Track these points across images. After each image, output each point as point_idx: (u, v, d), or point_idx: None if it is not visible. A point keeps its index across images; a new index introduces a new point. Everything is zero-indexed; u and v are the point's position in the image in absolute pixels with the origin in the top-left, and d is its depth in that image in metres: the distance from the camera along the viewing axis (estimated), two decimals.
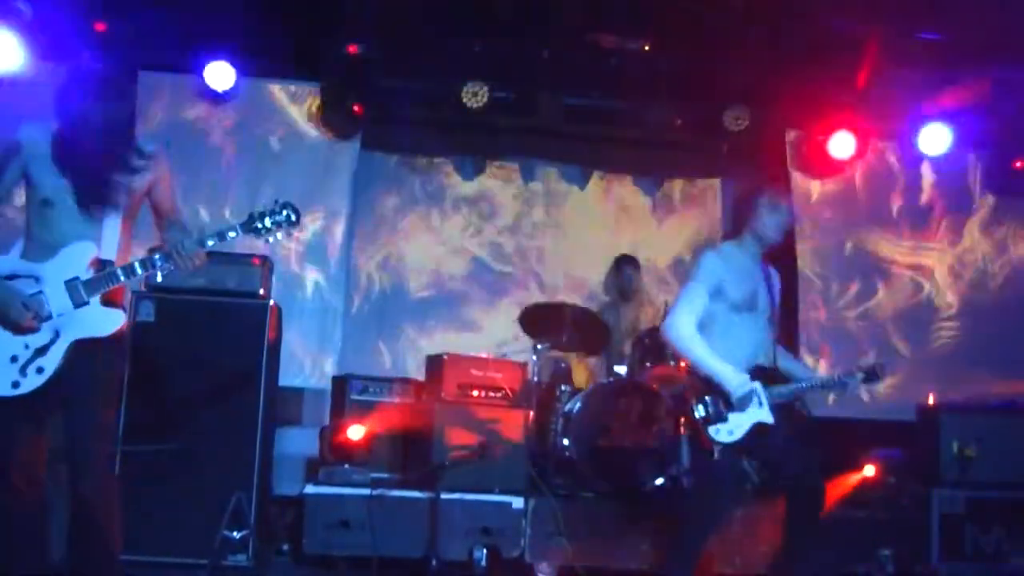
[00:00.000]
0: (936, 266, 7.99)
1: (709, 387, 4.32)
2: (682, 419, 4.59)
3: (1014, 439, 6.18)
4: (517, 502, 5.50)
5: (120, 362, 3.84)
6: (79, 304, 3.56)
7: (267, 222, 3.74)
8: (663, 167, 8.49)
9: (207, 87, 7.21)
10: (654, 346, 6.50)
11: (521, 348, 6.92)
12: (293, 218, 3.78)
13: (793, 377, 4.61)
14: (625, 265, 7.38)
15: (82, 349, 3.57)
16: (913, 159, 7.97)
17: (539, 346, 6.45)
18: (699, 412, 4.31)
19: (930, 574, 5.85)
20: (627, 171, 8.49)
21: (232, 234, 3.73)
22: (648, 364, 6.44)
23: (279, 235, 3.78)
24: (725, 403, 4.29)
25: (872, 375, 4.65)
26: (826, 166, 7.90)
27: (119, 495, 3.86)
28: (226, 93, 7.28)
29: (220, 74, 7.11)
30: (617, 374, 6.44)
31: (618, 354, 6.87)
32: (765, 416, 4.33)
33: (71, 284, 3.56)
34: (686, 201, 8.60)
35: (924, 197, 8.06)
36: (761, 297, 4.52)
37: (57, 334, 3.54)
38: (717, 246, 4.70)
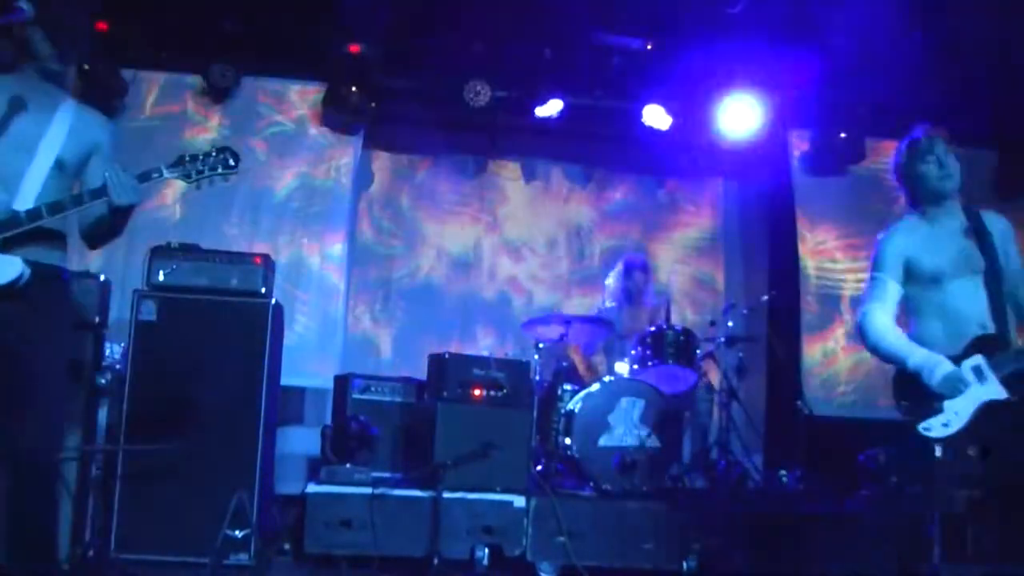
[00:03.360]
0: None
1: (908, 381, 3.81)
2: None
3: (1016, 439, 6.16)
4: (519, 501, 5.48)
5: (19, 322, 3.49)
6: None
7: (198, 164, 3.58)
8: (665, 167, 8.50)
9: (209, 86, 7.23)
10: (657, 345, 6.52)
11: (523, 347, 6.93)
12: (231, 163, 3.62)
13: None
14: (630, 264, 7.38)
15: None
16: None
17: (541, 345, 6.45)
18: (902, 414, 3.82)
19: (931, 574, 5.84)
20: (629, 170, 8.51)
21: (156, 176, 3.54)
22: (650, 364, 6.45)
23: (213, 179, 3.60)
24: (929, 394, 3.75)
25: None
26: (830, 165, 7.92)
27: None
28: (228, 92, 7.31)
29: (225, 74, 7.14)
30: (619, 373, 6.43)
31: (620, 353, 6.87)
32: (993, 392, 3.73)
33: None
34: (689, 200, 8.61)
35: None
36: (970, 255, 3.92)
37: None
38: (892, 225, 4.12)
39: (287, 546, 5.47)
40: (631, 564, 5.49)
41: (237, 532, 4.84)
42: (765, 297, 7.63)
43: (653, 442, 5.94)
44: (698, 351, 6.63)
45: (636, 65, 7.44)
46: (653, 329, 6.64)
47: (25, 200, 3.48)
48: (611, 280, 7.32)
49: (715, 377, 6.80)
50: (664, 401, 6.07)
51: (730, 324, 6.84)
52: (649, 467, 5.89)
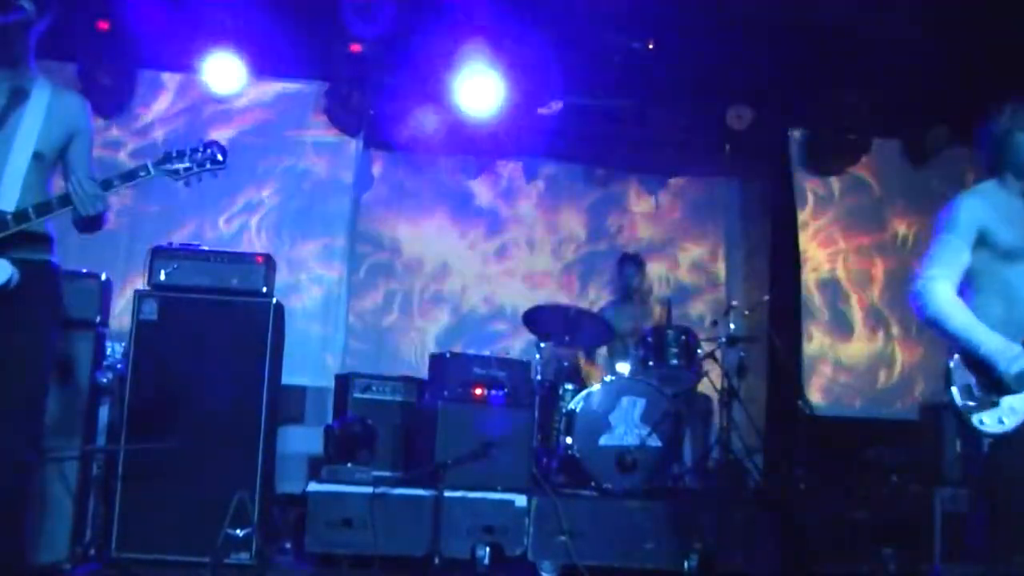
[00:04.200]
0: None
1: (971, 366, 3.46)
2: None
3: None
4: (520, 500, 5.48)
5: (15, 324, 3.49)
6: None
7: (185, 161, 3.52)
8: (666, 166, 8.49)
9: (211, 86, 7.24)
10: (657, 344, 6.52)
11: (524, 346, 6.92)
12: (220, 157, 3.55)
13: None
14: (628, 264, 7.39)
15: None
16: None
17: (542, 344, 6.46)
18: (957, 399, 3.46)
19: (933, 574, 5.84)
20: (630, 170, 8.51)
21: (144, 174, 3.50)
22: (651, 364, 6.45)
23: (202, 176, 3.55)
24: (995, 384, 3.41)
25: None
26: (830, 164, 7.92)
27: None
28: (233, 91, 7.31)
29: (225, 73, 7.14)
30: (619, 372, 6.43)
31: (621, 352, 6.87)
32: None
33: None
34: (690, 200, 8.61)
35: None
36: None
37: None
38: (973, 188, 3.73)
39: (288, 545, 5.48)
40: (632, 564, 5.50)
41: (238, 531, 4.83)
42: (766, 297, 7.63)
43: (654, 441, 5.94)
44: (699, 351, 6.62)
45: (638, 65, 7.43)
46: (654, 329, 6.65)
47: (7, 196, 3.44)
48: (610, 278, 7.34)
49: (716, 377, 6.79)
50: (665, 400, 6.08)
51: (731, 324, 6.82)
52: (650, 466, 5.90)
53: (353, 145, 7.60)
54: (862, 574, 5.67)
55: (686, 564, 5.42)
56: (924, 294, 3.53)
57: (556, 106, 7.55)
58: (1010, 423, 3.40)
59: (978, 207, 3.58)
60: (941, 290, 3.50)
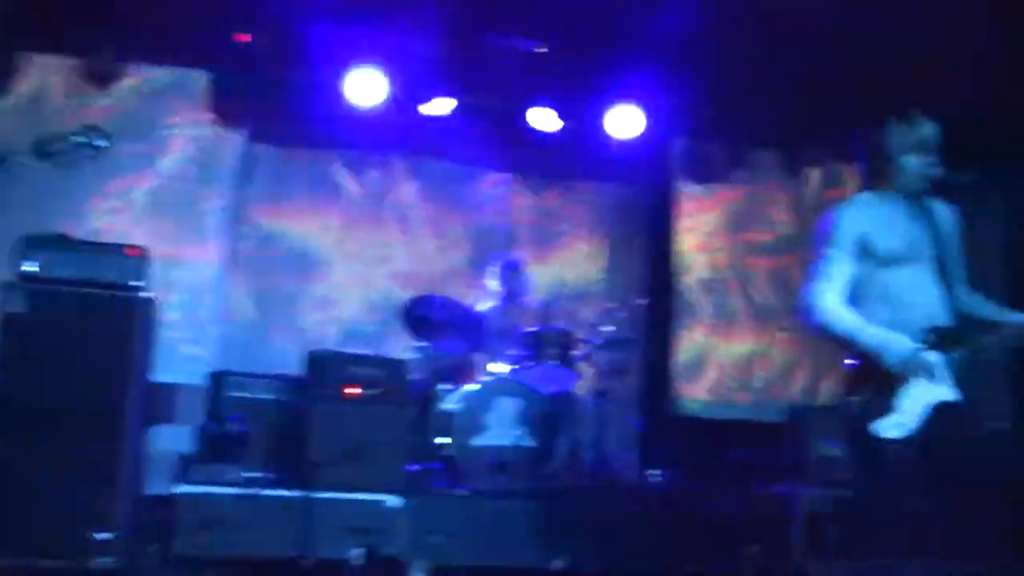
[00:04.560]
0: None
1: (867, 373, 3.53)
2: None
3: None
4: (394, 501, 5.49)
5: None
6: None
7: (62, 146, 3.50)
8: (551, 169, 8.56)
9: (93, 72, 7.06)
10: (536, 345, 6.59)
11: (402, 346, 6.93)
12: (98, 143, 3.53)
13: (991, 322, 3.63)
14: (507, 266, 7.44)
15: None
16: None
17: (420, 344, 6.47)
18: (855, 407, 3.55)
19: (795, 572, 6.03)
20: (514, 171, 8.55)
21: (16, 159, 3.49)
22: (529, 364, 6.52)
23: (78, 161, 3.53)
24: (888, 385, 3.47)
25: None
26: (711, 172, 8.11)
27: None
28: (111, 78, 7.14)
29: (103, 59, 6.98)
30: (496, 373, 6.49)
31: (499, 353, 6.92)
32: (943, 392, 3.46)
33: None
34: (573, 203, 8.69)
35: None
36: (923, 242, 3.70)
37: None
38: (849, 198, 3.85)
39: (156, 548, 5.38)
40: (505, 563, 5.55)
41: (104, 534, 4.74)
42: (643, 299, 7.78)
43: (528, 442, 6.03)
44: (577, 352, 6.73)
45: (525, 67, 7.48)
46: (533, 329, 6.72)
47: None
48: (488, 280, 7.36)
49: (593, 378, 6.90)
50: (541, 401, 6.17)
51: (608, 326, 6.94)
52: (524, 467, 5.98)
53: (235, 137, 7.49)
54: (727, 572, 5.83)
55: (557, 563, 5.50)
56: (812, 306, 3.67)
57: (445, 105, 7.57)
58: (909, 426, 3.47)
59: (856, 217, 3.72)
60: (828, 299, 3.65)
